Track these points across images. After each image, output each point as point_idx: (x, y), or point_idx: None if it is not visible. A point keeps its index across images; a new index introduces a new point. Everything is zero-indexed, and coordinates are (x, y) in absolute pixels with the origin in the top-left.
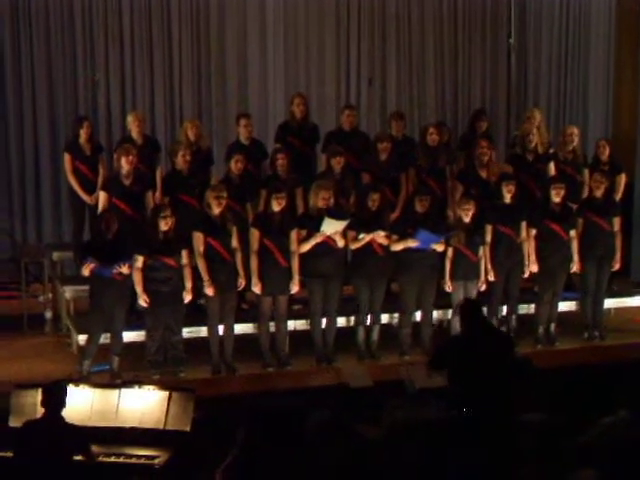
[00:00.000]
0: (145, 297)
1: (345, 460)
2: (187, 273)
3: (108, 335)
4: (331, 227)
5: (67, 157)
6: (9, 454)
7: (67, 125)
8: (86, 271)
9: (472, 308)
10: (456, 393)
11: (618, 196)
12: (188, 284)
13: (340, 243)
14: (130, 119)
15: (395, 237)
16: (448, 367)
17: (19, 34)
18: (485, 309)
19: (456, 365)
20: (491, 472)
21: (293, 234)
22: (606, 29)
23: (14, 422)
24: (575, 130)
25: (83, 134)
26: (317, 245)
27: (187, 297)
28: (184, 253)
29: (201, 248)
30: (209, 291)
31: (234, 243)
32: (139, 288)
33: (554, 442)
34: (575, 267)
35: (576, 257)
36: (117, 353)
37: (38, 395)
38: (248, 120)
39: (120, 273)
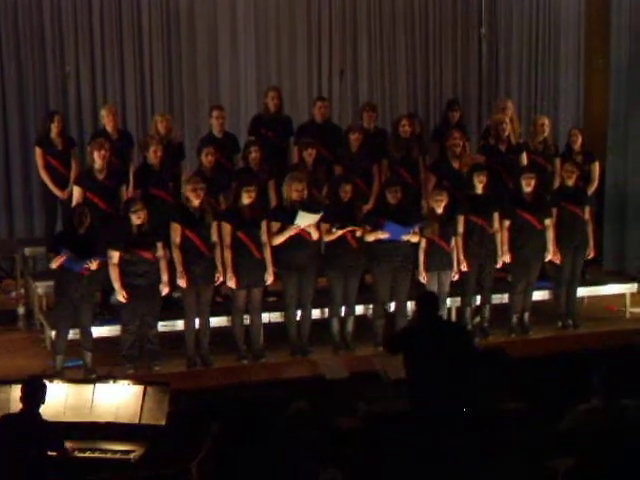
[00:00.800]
0: (124, 293)
1: (321, 451)
2: (163, 266)
3: (77, 331)
4: (305, 220)
5: (38, 152)
6: None
7: (37, 119)
8: (55, 264)
9: (430, 301)
10: (412, 384)
11: (594, 184)
12: (164, 277)
13: (314, 235)
14: (104, 112)
15: (368, 228)
16: (402, 354)
17: None
18: (459, 299)
19: (409, 355)
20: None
21: (264, 225)
22: (576, 18)
23: None
24: (546, 120)
25: (54, 128)
26: (291, 237)
27: (164, 290)
28: (159, 245)
29: (177, 239)
30: (181, 282)
31: (214, 237)
32: (117, 284)
33: (530, 431)
34: (550, 256)
35: (551, 246)
36: (88, 348)
37: (11, 391)
38: (220, 112)
39: (88, 269)
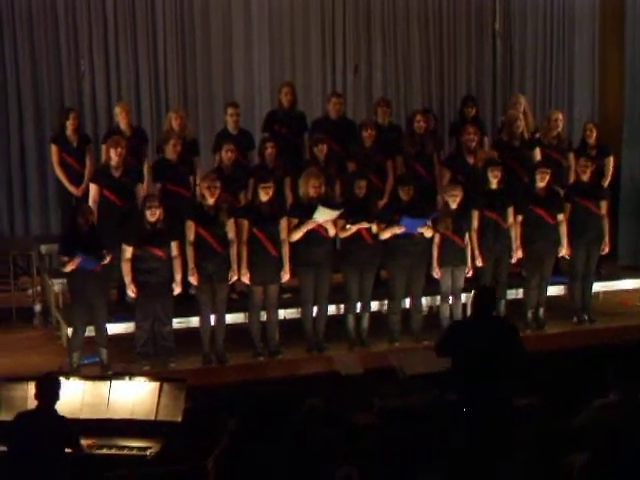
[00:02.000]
0: (133, 288)
1: (337, 448)
2: (177, 265)
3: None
4: (324, 215)
5: (54, 149)
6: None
7: (53, 116)
8: (70, 267)
9: (489, 295)
10: (459, 377)
11: (608, 179)
12: (178, 276)
13: (331, 232)
14: (118, 110)
15: (382, 225)
16: (454, 351)
17: (2, 26)
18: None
19: (463, 350)
20: (486, 456)
21: (283, 222)
22: (591, 12)
23: (3, 416)
24: (560, 115)
25: (69, 125)
26: (308, 234)
27: (176, 289)
28: (174, 245)
29: (191, 237)
30: (193, 279)
31: (230, 235)
32: (127, 279)
33: (546, 426)
34: (563, 251)
35: (564, 241)
36: (103, 345)
37: (28, 388)
38: (235, 109)
39: (102, 264)
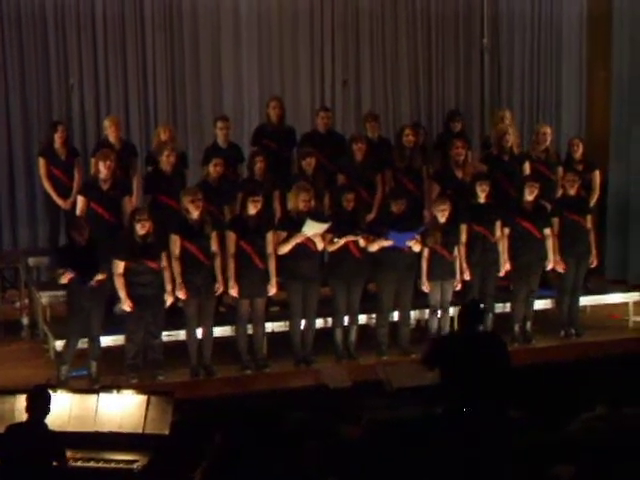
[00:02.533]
0: (129, 302)
1: (325, 461)
2: (167, 276)
3: (85, 340)
4: (313, 229)
5: (42, 162)
6: None
7: (41, 130)
8: (64, 280)
9: (476, 310)
10: (449, 391)
11: (596, 193)
12: (169, 287)
13: (319, 246)
14: (107, 123)
15: (371, 237)
16: (442, 365)
17: None
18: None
19: (451, 364)
20: (474, 470)
21: (269, 236)
22: (578, 29)
23: None
24: (548, 129)
25: (57, 139)
26: (296, 247)
27: (169, 300)
28: (164, 256)
29: (177, 251)
30: (180, 294)
31: (213, 247)
32: (122, 293)
33: (533, 439)
34: (551, 265)
35: (551, 255)
36: (95, 358)
37: (16, 401)
38: (225, 123)
39: (97, 280)
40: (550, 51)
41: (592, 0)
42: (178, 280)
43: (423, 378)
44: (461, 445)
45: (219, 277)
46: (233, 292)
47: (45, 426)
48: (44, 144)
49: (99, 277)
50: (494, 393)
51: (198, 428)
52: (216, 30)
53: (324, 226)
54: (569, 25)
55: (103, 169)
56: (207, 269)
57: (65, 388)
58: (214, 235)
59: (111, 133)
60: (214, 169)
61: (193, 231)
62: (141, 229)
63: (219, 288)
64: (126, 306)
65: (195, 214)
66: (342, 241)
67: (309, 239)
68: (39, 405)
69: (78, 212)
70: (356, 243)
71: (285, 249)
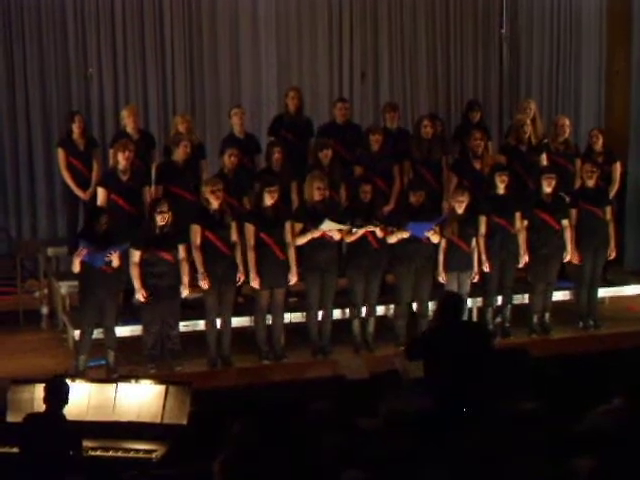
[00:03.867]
0: (143, 292)
1: (343, 452)
2: (184, 268)
3: (101, 330)
4: (330, 227)
5: (61, 152)
6: (7, 449)
7: (60, 120)
8: (77, 260)
9: (452, 304)
10: (432, 385)
11: (615, 185)
12: (185, 279)
13: (336, 236)
14: (125, 113)
15: (390, 229)
16: (424, 359)
17: (11, 29)
18: (480, 299)
19: (432, 357)
20: (483, 461)
21: (287, 225)
22: (598, 19)
23: (11, 417)
24: (567, 121)
25: (76, 129)
26: (313, 238)
27: (184, 292)
28: (181, 248)
29: (198, 241)
30: (204, 284)
31: (234, 237)
32: (137, 283)
33: (550, 431)
34: (569, 256)
35: (569, 247)
36: (112, 347)
37: (35, 391)
38: (239, 110)
39: (110, 263)
40: (569, 41)
41: None
42: (200, 270)
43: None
44: (474, 436)
45: (240, 267)
46: (255, 284)
47: (63, 416)
48: (63, 135)
49: (113, 258)
50: (479, 382)
51: (216, 418)
52: (235, 21)
53: (343, 227)
54: (589, 15)
55: (122, 160)
56: (227, 259)
57: (84, 378)
58: (234, 225)
59: (129, 123)
60: (229, 159)
61: (214, 221)
62: (161, 220)
63: (240, 278)
64: (140, 295)
65: (215, 204)
66: (361, 232)
67: (325, 232)
68: (56, 395)
69: (99, 204)
70: (374, 234)
71: (301, 242)
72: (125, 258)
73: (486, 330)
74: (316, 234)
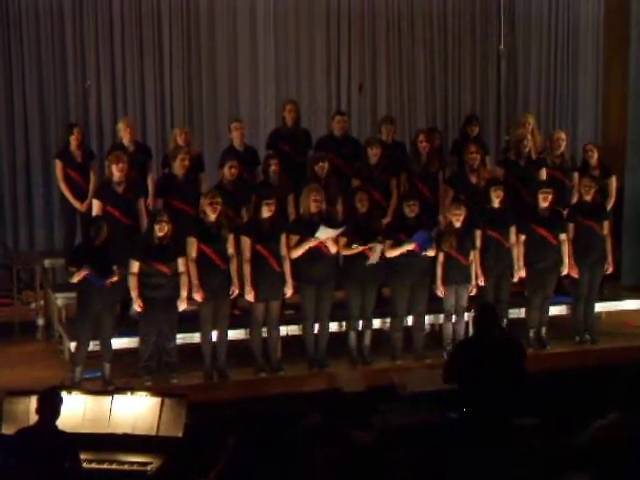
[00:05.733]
0: (140, 302)
1: (338, 465)
2: (183, 281)
3: (98, 342)
4: (325, 234)
5: (58, 164)
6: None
7: (58, 132)
8: (76, 279)
9: (490, 313)
10: (465, 395)
11: (611, 200)
12: (184, 292)
13: (332, 249)
14: (121, 126)
15: (389, 243)
16: (461, 372)
17: (9, 41)
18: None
19: (468, 368)
20: (488, 475)
21: (283, 238)
22: (594, 34)
23: (6, 429)
24: (562, 135)
25: (73, 141)
26: (310, 251)
27: (181, 305)
28: (181, 261)
29: (194, 254)
30: (197, 296)
31: (230, 250)
32: (134, 293)
33: (547, 445)
34: (566, 271)
35: (566, 261)
36: (108, 360)
37: (30, 402)
38: (239, 124)
39: (110, 283)
40: (566, 56)
41: (609, 6)
42: (195, 283)
43: (437, 383)
44: (476, 450)
45: (235, 280)
46: (250, 297)
47: (56, 428)
48: (60, 146)
49: (113, 279)
50: (509, 399)
51: (211, 431)
52: (232, 33)
53: (337, 231)
54: (585, 30)
55: (116, 172)
56: (223, 272)
57: (79, 389)
58: (230, 238)
59: (125, 135)
60: (229, 172)
61: (210, 234)
62: (159, 231)
63: (234, 291)
64: (137, 306)
65: (212, 216)
66: (361, 248)
67: (322, 242)
68: (49, 407)
69: (94, 215)
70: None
71: (297, 253)
72: (122, 272)
73: (521, 345)
74: (312, 243)
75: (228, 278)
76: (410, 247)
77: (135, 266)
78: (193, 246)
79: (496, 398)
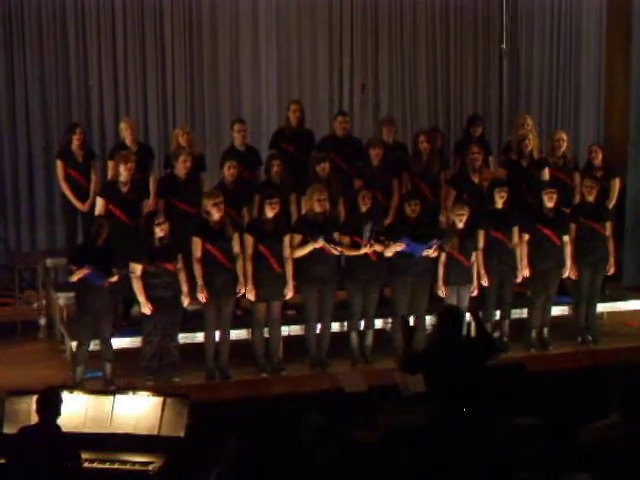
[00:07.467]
0: (149, 305)
1: (340, 465)
2: (183, 277)
3: (98, 342)
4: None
5: (59, 164)
6: (2, 460)
7: (60, 132)
8: (76, 277)
9: (451, 318)
10: (432, 400)
11: (613, 200)
12: (185, 288)
13: (335, 251)
14: (123, 126)
15: (386, 243)
16: (423, 373)
17: (12, 40)
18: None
19: (431, 372)
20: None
21: (286, 239)
22: (597, 34)
23: (8, 429)
24: (564, 135)
25: (75, 141)
26: (312, 250)
27: (185, 301)
28: (179, 257)
29: (198, 254)
30: (201, 297)
31: (236, 249)
32: (142, 297)
33: (548, 446)
34: (568, 272)
35: (569, 262)
36: (108, 359)
37: (32, 402)
38: (242, 125)
39: (109, 281)
40: (569, 56)
41: (612, 6)
42: (200, 283)
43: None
44: (473, 451)
45: (241, 279)
46: (251, 296)
47: (57, 427)
48: (62, 146)
49: (113, 279)
50: (477, 398)
51: (213, 431)
52: (235, 33)
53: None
54: (588, 30)
55: (124, 171)
56: (227, 271)
57: (81, 389)
58: (236, 237)
59: (127, 135)
60: (229, 172)
61: (214, 233)
62: (160, 232)
63: (240, 290)
64: (147, 309)
65: (216, 216)
66: (362, 251)
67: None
68: (49, 407)
69: (97, 213)
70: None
71: (300, 254)
72: (123, 271)
73: (487, 345)
74: (317, 245)
75: (233, 277)
76: (400, 247)
77: (138, 269)
78: (198, 246)
79: (463, 401)
